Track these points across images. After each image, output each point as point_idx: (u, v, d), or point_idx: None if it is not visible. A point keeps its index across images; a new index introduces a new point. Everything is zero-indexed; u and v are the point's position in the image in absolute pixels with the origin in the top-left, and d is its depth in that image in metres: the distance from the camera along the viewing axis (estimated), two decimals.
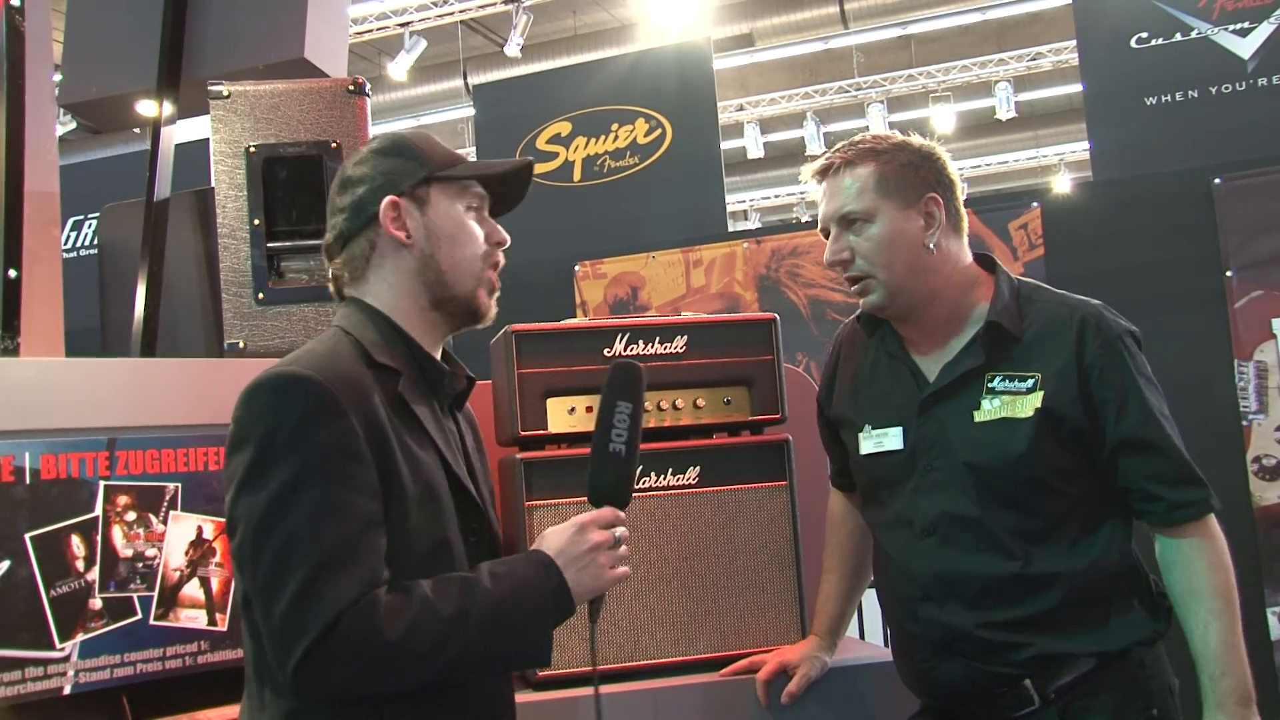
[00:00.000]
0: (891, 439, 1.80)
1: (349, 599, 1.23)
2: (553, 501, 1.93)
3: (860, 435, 1.86)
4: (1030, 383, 1.72)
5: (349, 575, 1.25)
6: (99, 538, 1.87)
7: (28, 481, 1.80)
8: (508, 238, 1.53)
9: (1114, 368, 1.70)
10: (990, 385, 1.74)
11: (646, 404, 2.04)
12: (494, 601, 1.31)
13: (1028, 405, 1.71)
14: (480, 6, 10.43)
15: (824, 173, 1.82)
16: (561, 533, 1.41)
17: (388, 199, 1.46)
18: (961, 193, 1.84)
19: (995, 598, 1.70)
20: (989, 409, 1.73)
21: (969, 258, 1.83)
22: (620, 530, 1.43)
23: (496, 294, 1.53)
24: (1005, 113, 12.32)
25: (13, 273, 2.36)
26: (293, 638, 1.23)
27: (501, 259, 1.53)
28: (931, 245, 1.76)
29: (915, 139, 1.83)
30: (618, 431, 1.44)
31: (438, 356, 1.51)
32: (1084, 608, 1.70)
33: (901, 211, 1.76)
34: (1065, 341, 1.72)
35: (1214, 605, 1.67)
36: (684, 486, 2.01)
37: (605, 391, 1.46)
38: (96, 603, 1.87)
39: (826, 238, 1.84)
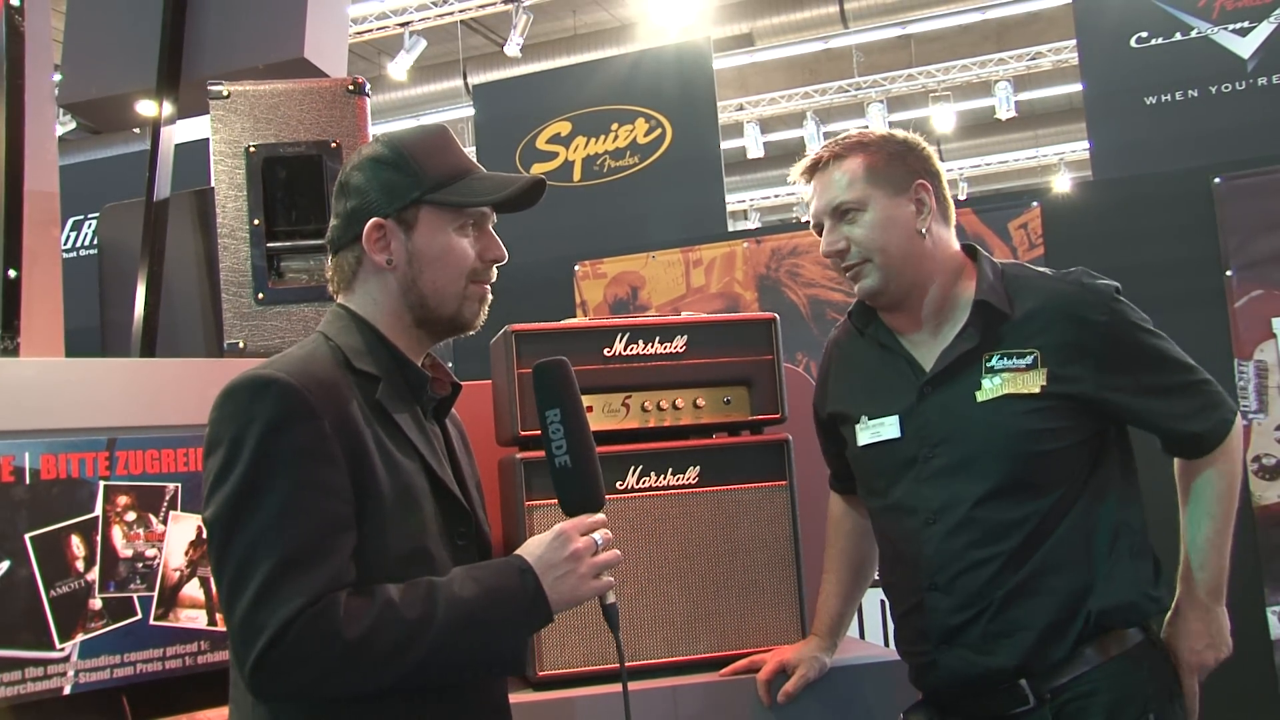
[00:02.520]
0: (888, 428, 1.81)
1: (308, 599, 1.23)
2: (553, 501, 1.91)
3: (857, 427, 1.87)
4: (1030, 359, 1.74)
5: (310, 576, 1.25)
6: (99, 538, 1.87)
7: (28, 481, 1.80)
8: (504, 254, 1.49)
9: (1118, 328, 1.74)
10: (989, 365, 1.76)
11: (646, 404, 2.05)
12: (462, 606, 1.30)
13: (1032, 382, 1.73)
14: (480, 6, 10.43)
15: (812, 169, 1.85)
16: (541, 540, 1.39)
17: (372, 221, 1.44)
18: (949, 186, 1.89)
19: (1000, 583, 1.71)
20: (990, 388, 1.75)
21: (957, 246, 1.86)
22: (601, 534, 1.41)
23: (488, 302, 1.50)
24: (1005, 112, 12.32)
25: (13, 273, 2.36)
26: (250, 638, 1.23)
27: (495, 274, 1.50)
28: (924, 231, 1.80)
29: (899, 132, 1.87)
30: (556, 444, 1.42)
31: (420, 363, 1.50)
32: (1086, 579, 1.71)
33: (892, 199, 1.79)
34: (1061, 315, 1.75)
35: (1211, 508, 1.79)
36: (684, 486, 2.01)
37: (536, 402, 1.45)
38: (96, 603, 1.87)
39: (820, 234, 1.86)
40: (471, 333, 1.51)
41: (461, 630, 1.30)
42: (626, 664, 1.92)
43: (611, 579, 1.42)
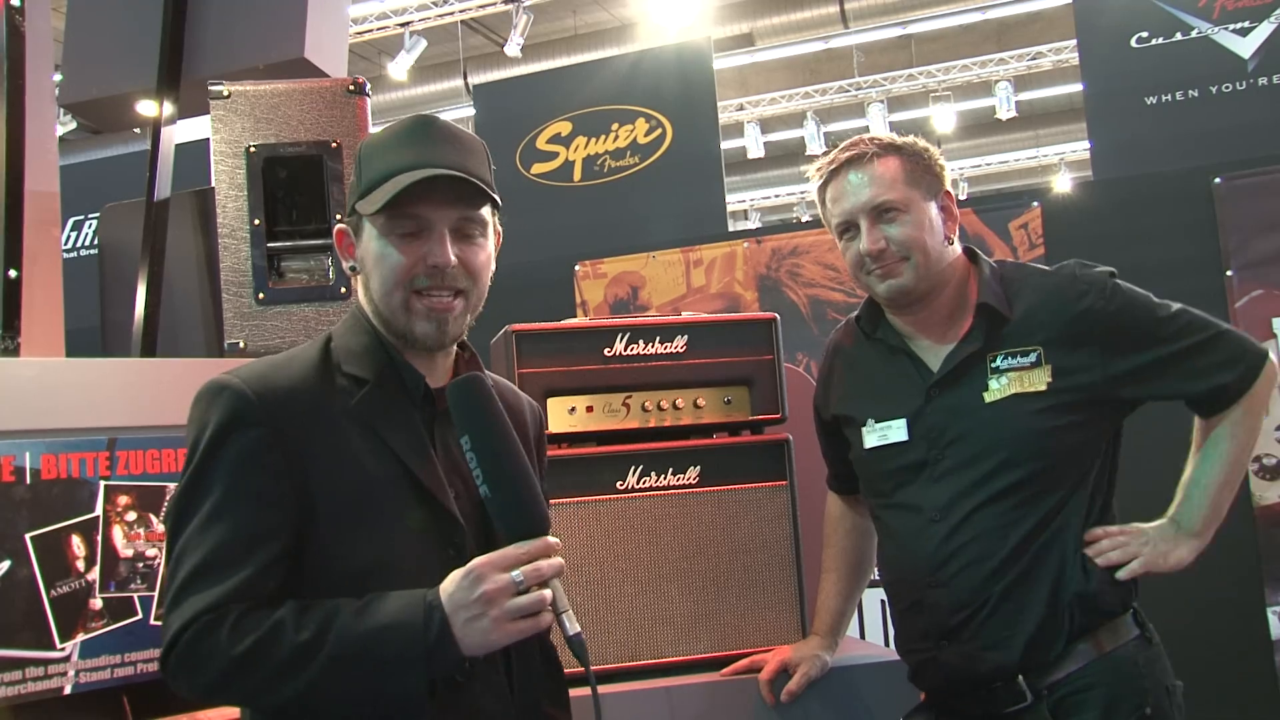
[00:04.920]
0: (896, 431, 1.82)
1: (205, 607, 1.25)
2: (552, 502, 1.93)
3: (864, 430, 1.87)
4: (1033, 356, 1.75)
5: (213, 585, 1.26)
6: (99, 538, 1.87)
7: (28, 481, 1.80)
8: (446, 260, 1.36)
9: (1120, 306, 1.75)
10: (994, 365, 1.77)
11: (646, 403, 2.05)
12: (354, 635, 1.25)
13: (1038, 379, 1.74)
14: (480, 6, 10.43)
15: (850, 164, 1.81)
16: (455, 576, 1.28)
17: (337, 227, 1.47)
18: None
19: (997, 579, 1.72)
20: (998, 388, 1.76)
21: (960, 250, 1.87)
22: (527, 569, 1.26)
23: (448, 321, 1.39)
24: (1005, 112, 12.33)
25: (13, 273, 2.36)
26: (162, 637, 1.29)
27: (445, 281, 1.38)
28: (953, 238, 1.83)
29: (921, 140, 1.88)
30: (475, 473, 1.31)
31: (437, 366, 1.45)
32: (1065, 571, 1.73)
33: (926, 203, 1.81)
34: (1057, 307, 1.76)
35: (1222, 459, 1.77)
36: (684, 486, 2.01)
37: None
38: (97, 602, 1.87)
39: (844, 233, 1.83)
40: (434, 349, 1.42)
41: (350, 661, 1.24)
42: (627, 664, 1.94)
43: (536, 621, 1.27)
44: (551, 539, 1.30)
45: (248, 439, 1.30)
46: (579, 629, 1.29)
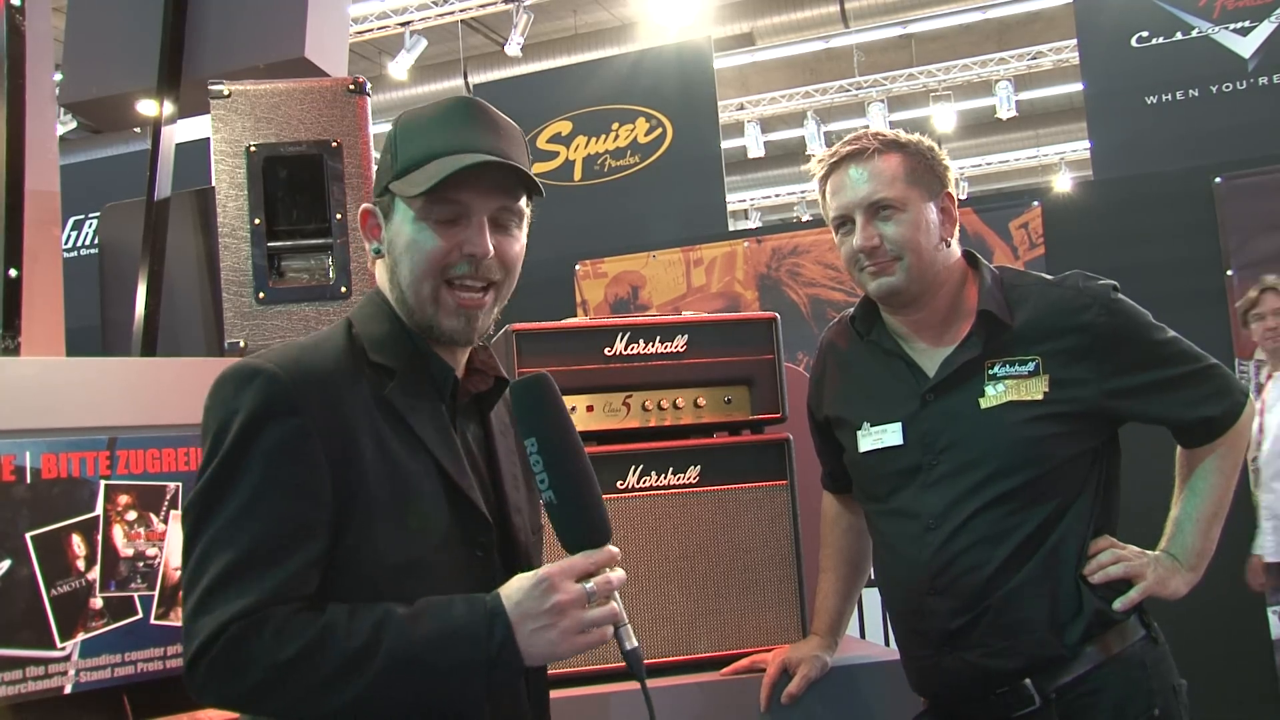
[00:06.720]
0: (891, 435, 1.81)
1: (242, 609, 1.15)
2: None
3: (859, 433, 1.86)
4: (1032, 365, 1.75)
5: (250, 585, 1.17)
6: (100, 537, 1.87)
7: (28, 481, 1.80)
8: (485, 250, 1.30)
9: (1117, 327, 1.75)
10: (991, 373, 1.77)
11: (646, 403, 2.04)
12: (412, 643, 1.18)
13: (1034, 388, 1.74)
14: (480, 6, 10.43)
15: (851, 158, 1.81)
16: (522, 583, 1.22)
17: (363, 207, 1.38)
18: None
19: (998, 585, 1.71)
20: (993, 395, 1.75)
21: (959, 253, 1.87)
22: (599, 580, 1.22)
23: (477, 317, 1.33)
24: (1006, 112, 12.33)
25: (13, 272, 2.36)
26: (188, 639, 1.18)
27: (479, 272, 1.32)
28: (950, 240, 1.81)
29: (926, 139, 1.87)
30: (539, 477, 1.25)
31: (468, 354, 1.39)
32: (1081, 592, 1.72)
33: (925, 203, 1.79)
34: (1058, 321, 1.76)
35: (1210, 493, 1.79)
36: (684, 486, 2.01)
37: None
38: (97, 602, 1.87)
39: (840, 227, 1.83)
40: (460, 344, 1.36)
41: (406, 669, 1.17)
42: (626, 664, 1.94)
43: (602, 633, 1.23)
44: (614, 548, 1.26)
45: (285, 428, 1.21)
46: (637, 643, 1.25)
